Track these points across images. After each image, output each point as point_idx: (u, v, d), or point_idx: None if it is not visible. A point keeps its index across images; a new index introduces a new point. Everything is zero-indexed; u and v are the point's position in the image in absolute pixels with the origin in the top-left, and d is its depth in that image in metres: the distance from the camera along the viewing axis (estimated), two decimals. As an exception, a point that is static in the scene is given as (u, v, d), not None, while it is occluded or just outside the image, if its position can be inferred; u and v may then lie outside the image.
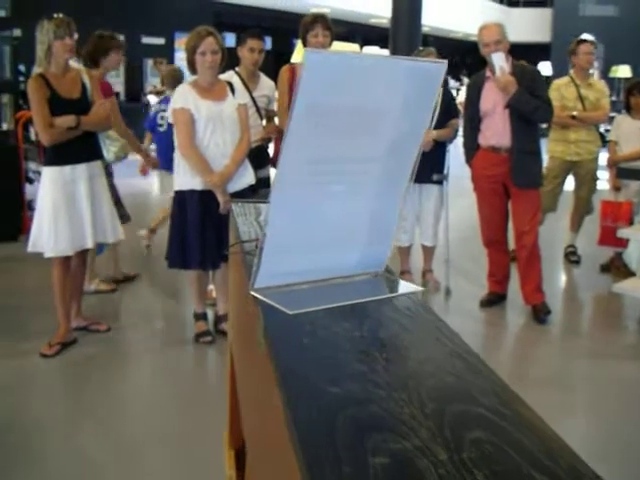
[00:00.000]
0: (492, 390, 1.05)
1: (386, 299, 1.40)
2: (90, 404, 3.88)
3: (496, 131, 4.91)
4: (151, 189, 9.76)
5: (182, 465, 3.22)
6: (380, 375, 1.06)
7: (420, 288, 1.47)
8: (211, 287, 4.88)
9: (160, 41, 15.76)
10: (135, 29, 15.09)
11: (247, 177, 4.41)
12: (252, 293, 1.35)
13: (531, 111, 4.78)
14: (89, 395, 4.02)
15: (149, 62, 15.39)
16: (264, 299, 1.32)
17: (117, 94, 14.27)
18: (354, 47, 10.37)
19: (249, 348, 1.49)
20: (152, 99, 12.64)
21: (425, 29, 12.38)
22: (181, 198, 4.35)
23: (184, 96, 4.29)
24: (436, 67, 1.37)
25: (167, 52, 15.41)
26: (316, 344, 1.19)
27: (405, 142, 1.41)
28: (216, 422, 3.34)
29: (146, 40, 15.51)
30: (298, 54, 7.11)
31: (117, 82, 14.58)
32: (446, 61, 1.38)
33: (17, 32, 9.63)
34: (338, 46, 6.88)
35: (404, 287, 1.48)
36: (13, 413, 3.73)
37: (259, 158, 4.75)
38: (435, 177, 5.51)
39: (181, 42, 15.96)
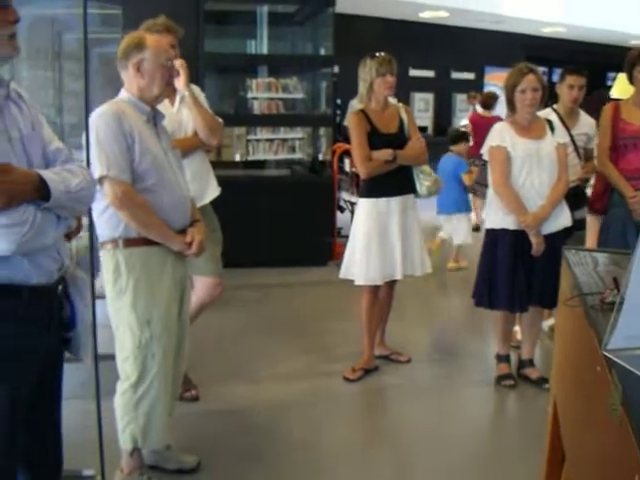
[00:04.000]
0: None
1: None
2: (384, 431, 3.97)
3: None
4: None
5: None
6: None
7: None
8: (516, 329, 4.74)
9: (470, 76, 15.87)
10: (445, 64, 15.35)
11: (563, 219, 4.23)
12: (605, 353, 1.25)
13: None
14: (384, 422, 4.11)
15: (458, 97, 15.56)
16: (620, 362, 1.21)
17: (425, 128, 14.67)
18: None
19: (591, 409, 1.39)
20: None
21: None
22: (492, 236, 4.29)
23: (501, 134, 4.24)
24: None
25: (476, 87, 15.46)
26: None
27: None
28: (515, 471, 3.24)
29: (455, 75, 15.70)
30: (620, 89, 6.75)
31: (425, 116, 14.93)
32: None
33: (335, 68, 10.21)
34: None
35: None
36: (313, 430, 3.92)
37: (576, 199, 4.53)
38: None
39: (491, 77, 15.95)
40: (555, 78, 5.89)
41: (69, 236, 2.24)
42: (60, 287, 2.20)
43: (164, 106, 3.42)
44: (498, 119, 10.35)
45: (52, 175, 2.01)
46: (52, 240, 2.06)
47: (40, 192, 1.95)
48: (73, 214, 2.16)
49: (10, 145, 1.98)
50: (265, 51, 9.22)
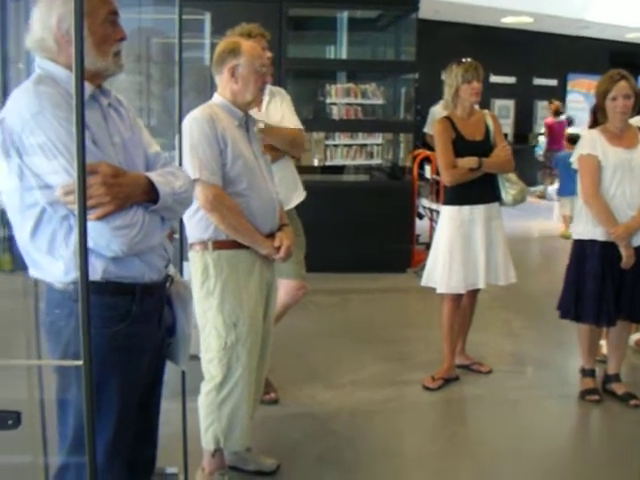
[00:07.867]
0: None
1: None
2: (463, 443, 3.91)
3: None
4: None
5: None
6: None
7: None
8: (602, 342, 4.61)
9: (552, 82, 15.56)
10: (527, 70, 15.08)
11: (654, 231, 4.10)
12: None
13: None
14: (463, 433, 4.05)
15: (539, 104, 15.26)
16: None
17: (505, 135, 14.43)
18: None
19: None
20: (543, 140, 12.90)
21: None
22: (580, 247, 4.19)
23: (592, 142, 4.13)
24: None
25: (559, 94, 15.13)
26: None
27: None
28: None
29: (537, 82, 15.40)
30: None
31: (506, 123, 14.68)
32: None
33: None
34: None
35: None
36: (392, 438, 3.90)
37: (668, 211, 4.39)
38: None
39: (575, 84, 15.62)
40: (640, 85, 5.72)
41: (169, 238, 2.28)
42: (167, 284, 2.26)
43: (253, 111, 3.45)
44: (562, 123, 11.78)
45: (159, 178, 2.05)
46: (158, 241, 2.11)
47: (148, 195, 2.00)
48: (176, 216, 2.20)
49: (114, 150, 2.03)
50: (345, 56, 9.24)
